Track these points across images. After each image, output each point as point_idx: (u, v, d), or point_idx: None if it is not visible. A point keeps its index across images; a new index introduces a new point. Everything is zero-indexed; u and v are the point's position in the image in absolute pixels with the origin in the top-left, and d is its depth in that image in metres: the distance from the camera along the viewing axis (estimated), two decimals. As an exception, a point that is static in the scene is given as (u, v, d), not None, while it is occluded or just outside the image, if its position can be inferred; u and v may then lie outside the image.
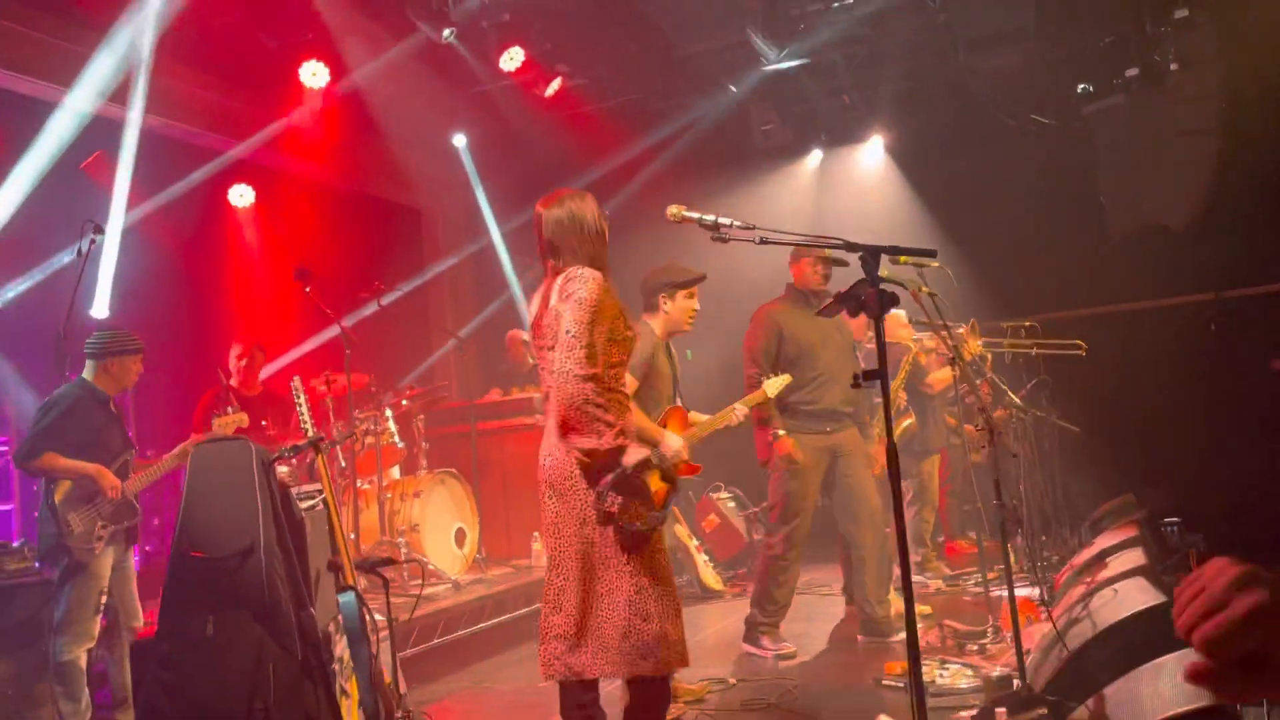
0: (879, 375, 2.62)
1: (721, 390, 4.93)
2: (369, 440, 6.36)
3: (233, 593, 3.33)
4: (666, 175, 8.82)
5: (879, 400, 5.26)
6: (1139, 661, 3.10)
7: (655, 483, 3.09)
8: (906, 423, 7.05)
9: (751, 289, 6.64)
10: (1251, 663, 0.87)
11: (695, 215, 2.94)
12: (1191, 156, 7.44)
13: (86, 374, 4.58)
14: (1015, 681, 3.74)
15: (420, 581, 6.02)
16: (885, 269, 2.74)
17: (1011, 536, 4.13)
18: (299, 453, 3.68)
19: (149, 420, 6.45)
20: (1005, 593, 3.91)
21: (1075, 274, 7.72)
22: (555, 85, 7.99)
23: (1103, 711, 3.16)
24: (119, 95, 6.14)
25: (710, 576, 7.43)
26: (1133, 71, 7.51)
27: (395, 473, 6.90)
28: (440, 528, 6.46)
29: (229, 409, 5.04)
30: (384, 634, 3.95)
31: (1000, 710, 3.47)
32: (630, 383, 3.73)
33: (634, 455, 2.91)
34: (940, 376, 7.04)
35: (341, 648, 3.75)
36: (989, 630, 4.97)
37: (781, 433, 5.17)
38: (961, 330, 5.74)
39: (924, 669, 4.19)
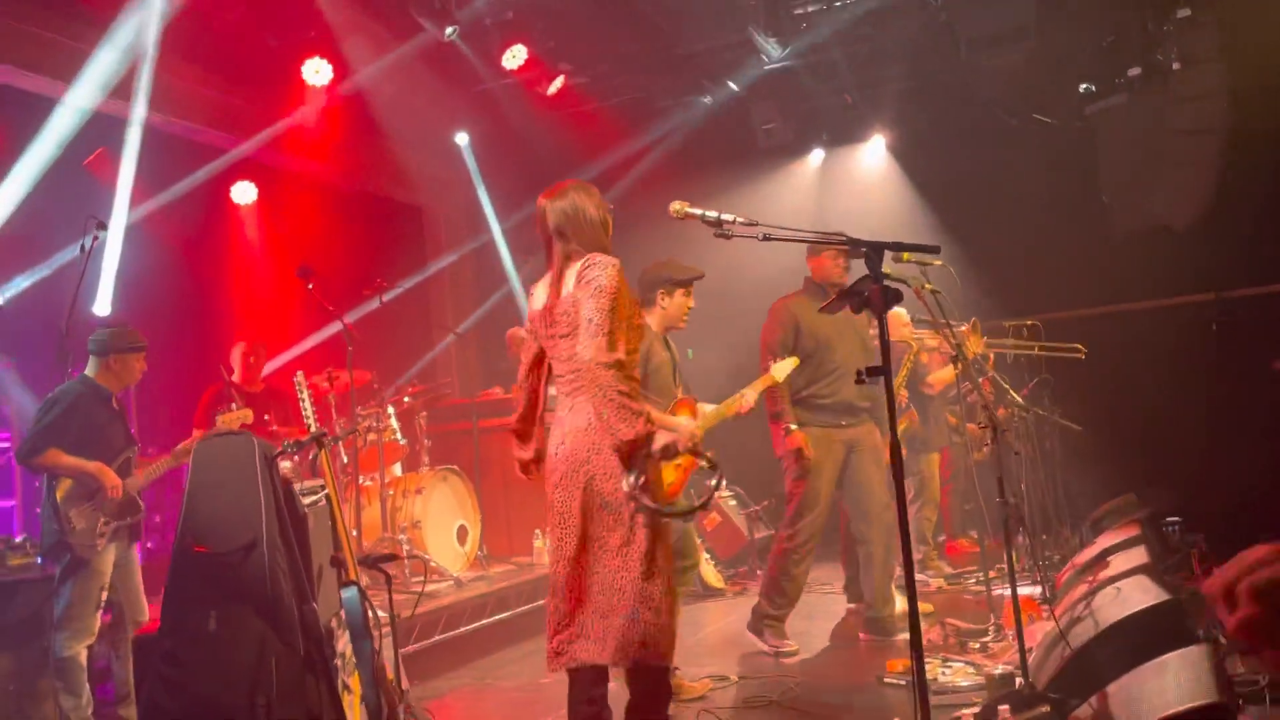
0: (882, 371, 2.63)
1: (725, 389, 4.92)
2: (371, 437, 6.36)
3: (235, 587, 3.33)
4: (668, 174, 8.82)
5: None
6: (1142, 659, 3.11)
7: (670, 473, 3.10)
8: (906, 423, 7.06)
9: (753, 288, 6.64)
10: None
11: (698, 212, 2.95)
12: (1193, 156, 7.43)
13: (89, 371, 4.58)
14: (1018, 679, 3.73)
15: (422, 578, 6.03)
16: (889, 267, 2.75)
17: (1014, 534, 4.13)
18: (302, 448, 3.68)
19: (151, 417, 6.46)
20: (1006, 591, 3.91)
21: (1077, 273, 7.72)
22: (558, 83, 7.99)
23: (1105, 709, 3.16)
24: (122, 92, 6.14)
25: (711, 574, 7.43)
26: (1135, 71, 7.51)
27: (397, 470, 6.91)
28: (442, 525, 6.46)
29: (233, 405, 5.04)
30: (386, 630, 3.95)
31: (1003, 708, 3.47)
32: None
33: (661, 440, 2.94)
34: (941, 376, 7.04)
35: (344, 643, 3.76)
36: (991, 628, 4.97)
37: (793, 427, 5.17)
38: (963, 329, 5.74)
39: (926, 667, 4.18)
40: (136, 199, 6.49)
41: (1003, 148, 8.19)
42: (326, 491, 3.86)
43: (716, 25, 7.67)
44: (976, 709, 3.69)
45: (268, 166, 7.83)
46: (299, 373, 3.89)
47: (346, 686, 3.71)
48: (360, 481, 6.38)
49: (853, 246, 2.72)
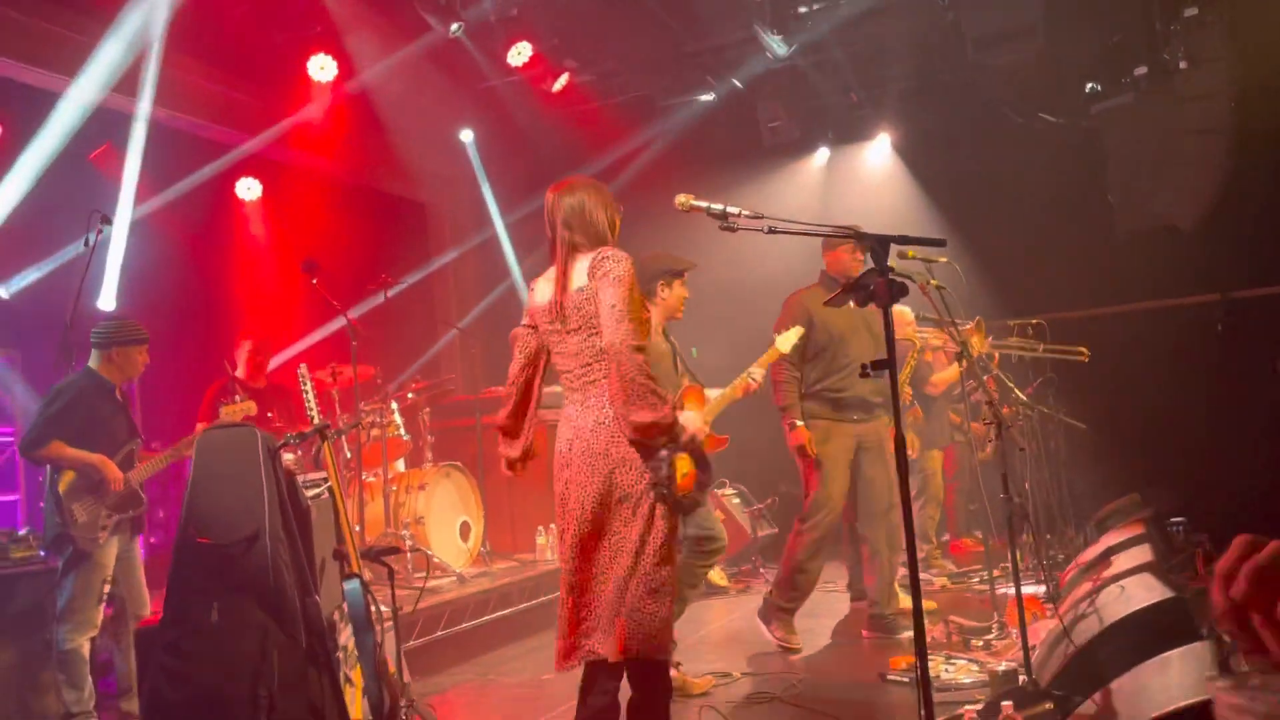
0: (887, 365, 2.62)
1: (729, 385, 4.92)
2: (375, 433, 6.36)
3: (238, 579, 3.32)
4: (673, 171, 8.81)
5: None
6: (1146, 656, 3.09)
7: (685, 465, 3.09)
8: (911, 420, 7.05)
9: (759, 286, 6.64)
10: None
11: (704, 204, 2.94)
12: (1200, 156, 7.41)
13: (92, 363, 4.59)
14: (1021, 676, 3.73)
15: (425, 574, 6.03)
16: (894, 263, 2.74)
17: (1018, 532, 4.12)
18: (305, 439, 3.68)
19: (155, 411, 6.46)
20: (1010, 590, 3.90)
21: (1082, 273, 7.71)
22: (563, 80, 7.98)
23: (1109, 705, 3.15)
24: (127, 87, 6.15)
25: (715, 572, 7.42)
26: (1141, 70, 7.47)
27: (400, 465, 6.91)
28: (445, 521, 6.46)
29: (237, 397, 5.04)
30: (388, 624, 3.95)
31: (1006, 704, 3.45)
32: None
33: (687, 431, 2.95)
34: (944, 377, 7.03)
35: (346, 636, 3.76)
36: (994, 626, 4.96)
37: (799, 423, 5.17)
38: (967, 327, 5.73)
39: (929, 664, 4.17)
40: (141, 194, 6.51)
41: (1008, 147, 8.17)
42: (329, 484, 3.86)
43: (722, 23, 7.68)
44: (979, 706, 3.68)
45: (273, 162, 7.84)
46: (302, 365, 3.89)
47: (349, 679, 3.71)
48: (364, 477, 6.38)
49: (859, 240, 2.71)
